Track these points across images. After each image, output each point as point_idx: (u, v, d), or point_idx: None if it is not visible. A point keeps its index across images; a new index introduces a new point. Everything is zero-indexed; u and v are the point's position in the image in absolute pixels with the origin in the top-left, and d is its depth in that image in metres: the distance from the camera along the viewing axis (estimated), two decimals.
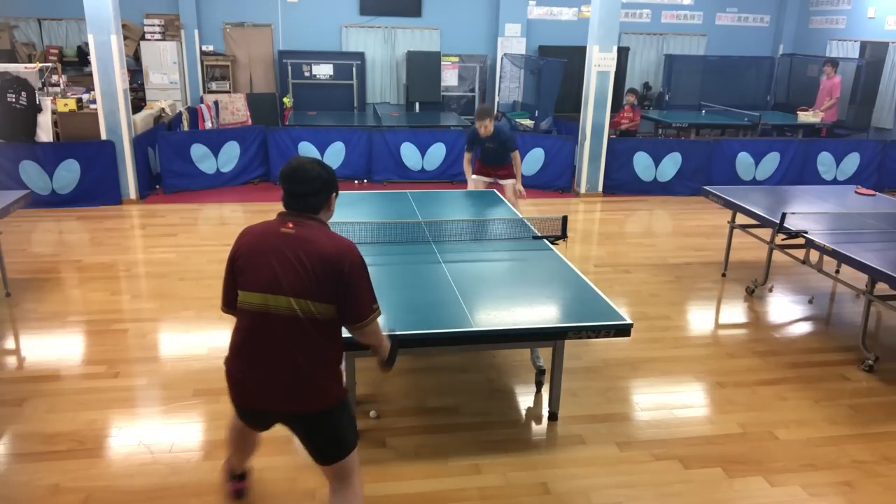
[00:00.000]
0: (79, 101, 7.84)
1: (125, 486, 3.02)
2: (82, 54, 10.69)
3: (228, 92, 11.30)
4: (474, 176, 6.35)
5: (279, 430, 3.44)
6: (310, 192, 2.31)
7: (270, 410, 2.36)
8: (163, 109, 9.20)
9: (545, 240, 4.35)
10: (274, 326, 2.25)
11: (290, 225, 2.29)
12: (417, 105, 11.43)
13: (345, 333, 2.42)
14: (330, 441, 2.38)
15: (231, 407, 2.49)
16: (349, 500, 2.44)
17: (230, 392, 2.40)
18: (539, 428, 3.57)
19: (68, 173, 7.47)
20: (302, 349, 2.26)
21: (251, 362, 2.31)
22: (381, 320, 2.46)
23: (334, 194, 2.40)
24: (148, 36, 10.86)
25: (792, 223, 4.83)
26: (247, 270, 2.30)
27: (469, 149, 6.25)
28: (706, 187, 5.90)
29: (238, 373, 2.34)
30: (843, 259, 4.27)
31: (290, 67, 11.25)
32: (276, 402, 2.32)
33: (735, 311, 5.18)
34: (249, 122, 10.72)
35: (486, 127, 5.90)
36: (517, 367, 4.19)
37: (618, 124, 9.53)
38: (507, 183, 6.26)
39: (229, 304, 2.43)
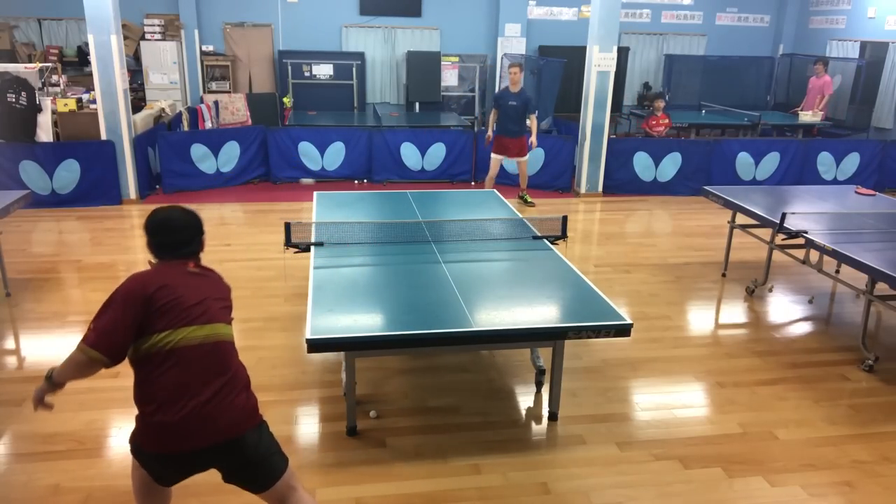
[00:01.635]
0: (79, 101, 7.84)
1: (125, 486, 3.02)
2: (82, 54, 10.69)
3: (228, 92, 11.29)
4: (493, 155, 7.69)
5: (278, 429, 3.44)
6: (187, 239, 2.42)
7: (217, 445, 2.23)
8: (163, 109, 9.19)
9: (545, 240, 4.35)
10: (222, 353, 2.31)
11: (192, 265, 2.41)
12: (417, 105, 11.42)
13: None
14: (272, 452, 2.35)
15: (135, 467, 2.38)
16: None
17: (157, 445, 2.21)
18: (539, 428, 3.57)
19: (68, 173, 7.47)
20: (233, 370, 2.33)
21: (198, 399, 2.19)
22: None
23: (204, 235, 2.50)
24: (148, 36, 10.86)
25: (792, 223, 4.83)
26: (167, 310, 2.21)
27: (496, 105, 7.67)
28: (706, 187, 5.90)
29: (176, 419, 2.16)
30: (843, 259, 4.27)
31: (290, 67, 11.25)
32: (227, 431, 2.23)
33: (735, 311, 5.18)
34: (249, 122, 10.71)
35: (515, 73, 7.15)
36: (517, 367, 4.19)
37: (657, 129, 9.42)
38: (522, 160, 7.73)
39: (119, 354, 2.20)
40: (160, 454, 2.24)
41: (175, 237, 2.38)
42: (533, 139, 7.71)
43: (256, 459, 2.31)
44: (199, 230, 2.46)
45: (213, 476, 3.10)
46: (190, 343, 2.22)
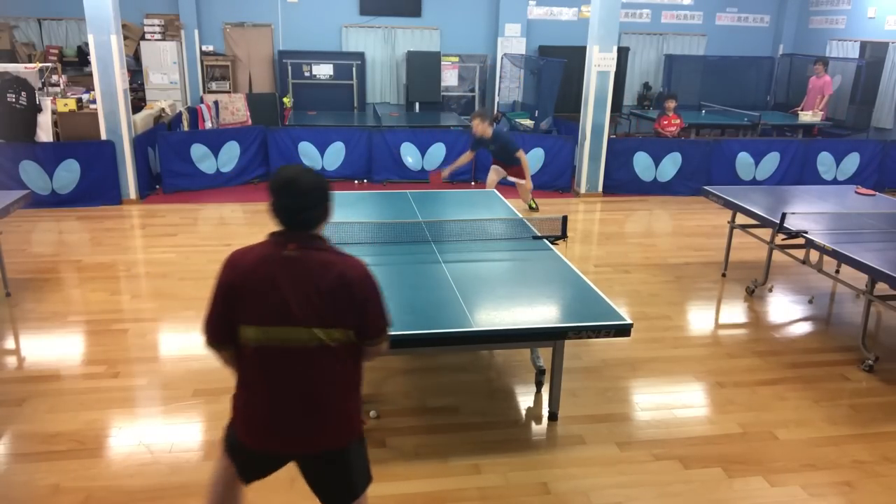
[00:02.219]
0: (79, 101, 7.84)
1: (125, 486, 3.02)
2: (82, 54, 10.69)
3: (228, 92, 11.29)
4: (494, 165, 7.41)
5: None
6: (309, 204, 2.05)
7: (288, 454, 2.16)
8: (163, 109, 9.19)
9: (545, 240, 4.35)
10: (292, 361, 2.04)
11: (292, 247, 2.03)
12: (417, 105, 11.42)
13: None
14: (344, 481, 2.19)
15: (221, 458, 2.31)
16: None
17: (241, 432, 2.16)
18: (539, 428, 3.57)
19: (68, 173, 7.46)
20: (324, 382, 2.08)
21: (270, 402, 2.08)
22: None
23: (331, 203, 2.14)
24: (148, 36, 10.85)
25: (792, 223, 4.83)
26: (249, 303, 2.03)
27: (473, 148, 7.19)
28: (706, 187, 5.90)
29: (254, 416, 2.12)
30: (843, 259, 4.27)
31: (290, 67, 11.25)
32: (297, 444, 2.12)
33: (735, 311, 5.18)
34: (249, 122, 10.71)
35: (476, 126, 6.73)
36: (517, 367, 4.19)
37: (669, 129, 9.39)
38: (519, 182, 7.34)
39: (221, 339, 2.13)
40: (243, 444, 2.16)
41: (289, 201, 2.03)
42: (526, 179, 7.25)
43: (328, 479, 2.18)
44: (325, 195, 2.09)
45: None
46: (258, 344, 2.05)
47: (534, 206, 7.88)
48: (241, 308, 2.05)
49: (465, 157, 7.33)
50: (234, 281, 2.05)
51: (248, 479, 2.29)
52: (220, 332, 2.12)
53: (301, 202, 2.04)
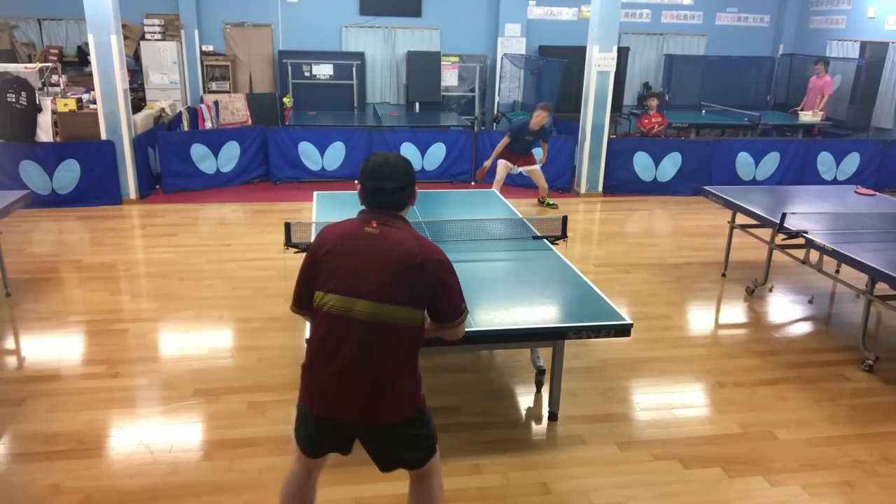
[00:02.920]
0: (79, 101, 7.84)
1: (125, 486, 3.02)
2: (82, 54, 10.69)
3: (228, 92, 11.29)
4: (503, 161, 7.64)
5: (278, 429, 3.45)
6: (398, 187, 2.22)
7: (348, 423, 2.22)
8: (163, 109, 9.19)
9: (545, 240, 4.35)
10: (355, 332, 2.13)
11: (374, 224, 2.18)
12: (417, 105, 11.42)
13: None
14: (410, 450, 2.29)
15: (293, 450, 2.37)
16: (437, 487, 2.40)
17: (307, 400, 2.25)
18: (539, 428, 3.57)
19: (68, 173, 7.47)
20: (385, 356, 2.15)
21: (331, 369, 2.16)
22: None
23: (415, 188, 2.30)
24: (148, 36, 10.86)
25: (792, 223, 4.83)
26: (327, 271, 2.18)
27: (511, 137, 7.52)
28: (706, 187, 5.90)
29: (316, 379, 2.21)
30: (843, 259, 4.27)
31: (290, 67, 11.25)
32: (356, 414, 2.18)
33: (735, 311, 5.18)
34: (249, 122, 10.72)
35: (541, 117, 7.33)
36: (517, 367, 4.19)
37: (650, 128, 9.47)
38: (532, 168, 7.79)
39: (302, 304, 2.29)
40: (308, 412, 2.25)
41: (387, 183, 2.19)
42: (543, 157, 7.90)
43: (382, 452, 2.29)
44: (412, 179, 2.26)
45: (212, 475, 3.11)
46: (335, 311, 2.15)
47: (552, 202, 7.95)
48: (319, 275, 2.19)
49: (503, 143, 7.59)
50: (319, 249, 2.21)
51: (312, 452, 2.35)
52: (303, 299, 2.27)
53: (389, 184, 2.20)
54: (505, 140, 7.54)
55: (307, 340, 2.29)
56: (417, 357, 2.27)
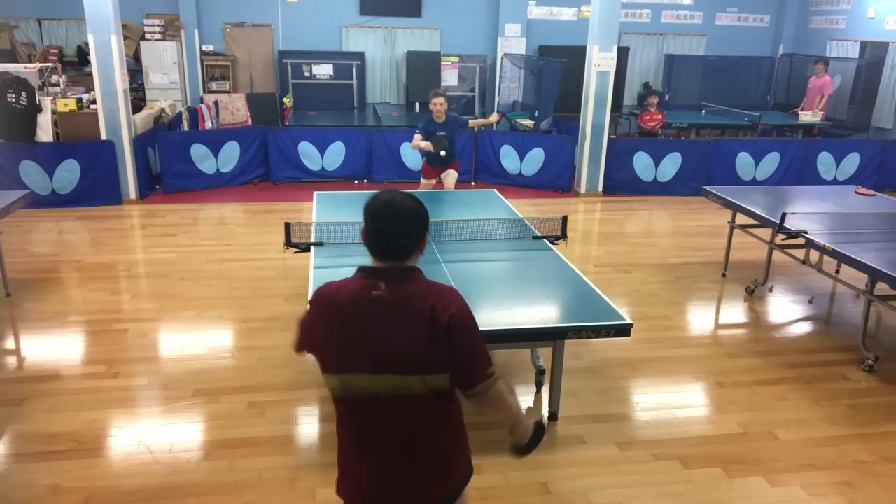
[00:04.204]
0: (79, 101, 7.84)
1: (125, 486, 3.02)
2: (82, 54, 10.69)
3: (228, 92, 11.30)
4: (423, 181, 6.50)
5: (278, 429, 3.45)
6: (402, 232, 1.86)
7: None
8: (163, 109, 9.19)
9: (545, 240, 4.35)
10: (383, 414, 1.84)
11: (383, 286, 1.83)
12: (417, 105, 11.42)
13: None
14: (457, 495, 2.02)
15: None
16: None
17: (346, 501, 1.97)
18: None
19: (68, 173, 7.46)
20: (425, 433, 1.88)
21: (367, 461, 1.90)
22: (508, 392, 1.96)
23: (426, 234, 1.95)
24: (148, 36, 10.86)
25: (792, 223, 4.83)
26: (334, 349, 1.84)
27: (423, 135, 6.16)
28: (706, 187, 5.90)
29: (353, 477, 1.92)
30: (843, 259, 4.27)
31: (290, 67, 11.24)
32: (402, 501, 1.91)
33: (735, 311, 5.18)
34: (249, 122, 10.72)
35: (441, 104, 6.00)
36: (517, 367, 4.19)
37: (652, 125, 9.51)
38: (449, 174, 6.35)
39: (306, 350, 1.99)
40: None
41: (391, 227, 1.85)
42: (495, 117, 7.18)
43: None
44: (422, 223, 1.91)
45: (212, 475, 3.11)
46: (359, 394, 1.84)
47: None
48: (327, 355, 1.87)
49: (417, 139, 6.22)
50: (321, 322, 1.88)
51: None
52: (304, 348, 1.97)
53: (391, 227, 1.85)
54: (417, 136, 6.20)
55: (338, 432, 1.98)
56: (461, 419, 1.99)
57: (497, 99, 12.04)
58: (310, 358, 1.94)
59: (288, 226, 4.14)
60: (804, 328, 4.91)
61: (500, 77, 11.90)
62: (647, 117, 9.54)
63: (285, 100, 11.20)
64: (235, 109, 10.74)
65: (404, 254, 1.88)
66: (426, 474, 1.90)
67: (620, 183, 8.66)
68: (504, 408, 1.92)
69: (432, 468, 1.91)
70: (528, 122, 10.05)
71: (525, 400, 3.84)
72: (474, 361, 1.85)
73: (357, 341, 1.82)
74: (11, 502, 2.93)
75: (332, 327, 1.84)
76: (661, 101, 12.30)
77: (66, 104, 7.66)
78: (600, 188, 8.58)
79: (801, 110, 10.64)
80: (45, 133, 7.59)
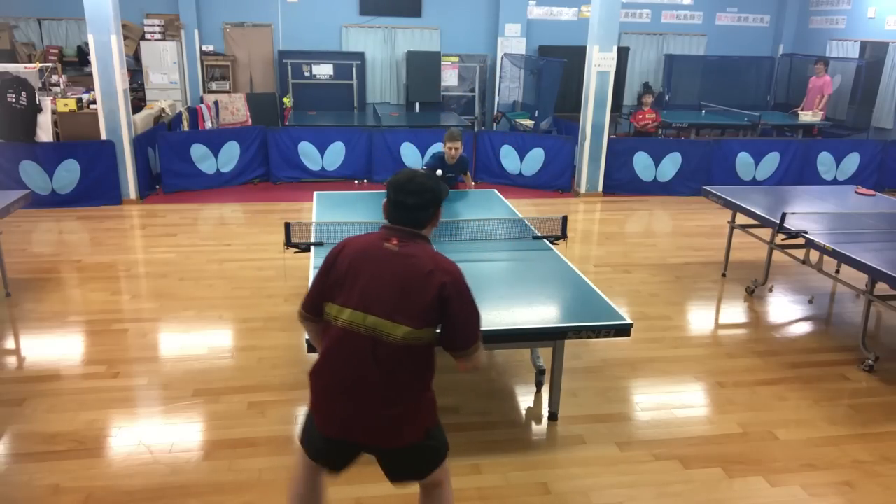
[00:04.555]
0: (79, 101, 7.84)
1: (125, 486, 3.02)
2: (82, 54, 10.69)
3: (228, 92, 11.29)
4: None
5: (278, 429, 3.45)
6: (420, 204, 2.19)
7: (357, 443, 2.19)
8: (163, 109, 9.20)
9: (545, 240, 4.35)
10: (366, 350, 2.09)
11: (395, 241, 2.15)
12: (417, 105, 11.42)
13: None
14: (417, 467, 2.27)
15: (299, 449, 2.33)
16: (445, 498, 2.36)
17: (317, 421, 2.21)
18: (539, 428, 3.57)
19: (68, 173, 7.47)
20: (400, 376, 2.11)
21: (339, 387, 2.14)
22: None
23: (440, 209, 2.28)
24: (148, 36, 10.85)
25: (792, 223, 4.83)
26: (341, 284, 2.14)
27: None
28: (706, 187, 5.90)
29: (329, 401, 2.17)
30: (843, 259, 4.27)
31: (290, 67, 11.24)
32: (363, 435, 2.15)
33: (735, 311, 5.18)
34: (249, 122, 10.72)
35: (457, 149, 5.30)
36: (517, 367, 4.19)
37: (643, 124, 9.54)
38: None
39: (313, 310, 2.25)
40: (319, 432, 2.21)
41: (410, 199, 2.17)
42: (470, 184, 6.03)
43: (394, 468, 2.27)
44: (436, 199, 2.22)
45: (212, 475, 3.11)
46: (350, 326, 2.11)
47: None
48: (335, 286, 2.16)
49: None
50: (339, 259, 2.19)
51: (320, 462, 2.30)
52: (316, 305, 2.24)
53: (411, 199, 2.18)
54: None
55: (320, 352, 2.24)
56: (432, 376, 2.24)
57: (497, 99, 12.05)
58: (311, 357, 2.00)
59: (288, 226, 4.14)
60: (804, 328, 4.91)
61: (500, 77, 11.90)
62: (640, 116, 9.59)
63: (285, 100, 11.20)
64: (235, 109, 10.74)
65: (419, 223, 2.20)
66: (399, 416, 2.12)
67: (620, 183, 8.66)
68: (476, 363, 2.26)
69: (405, 412, 2.13)
70: (528, 122, 10.05)
71: (525, 400, 3.84)
72: (467, 328, 2.16)
73: (359, 280, 2.11)
74: (11, 502, 2.93)
75: (345, 263, 2.16)
76: (661, 101, 12.32)
77: (66, 104, 7.66)
78: (600, 188, 8.58)
79: (801, 110, 10.64)
80: (45, 133, 7.59)
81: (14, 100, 7.42)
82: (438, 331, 2.17)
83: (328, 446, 2.22)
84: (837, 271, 5.58)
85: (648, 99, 9.67)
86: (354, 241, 2.23)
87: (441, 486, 2.35)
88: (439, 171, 5.37)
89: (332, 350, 2.15)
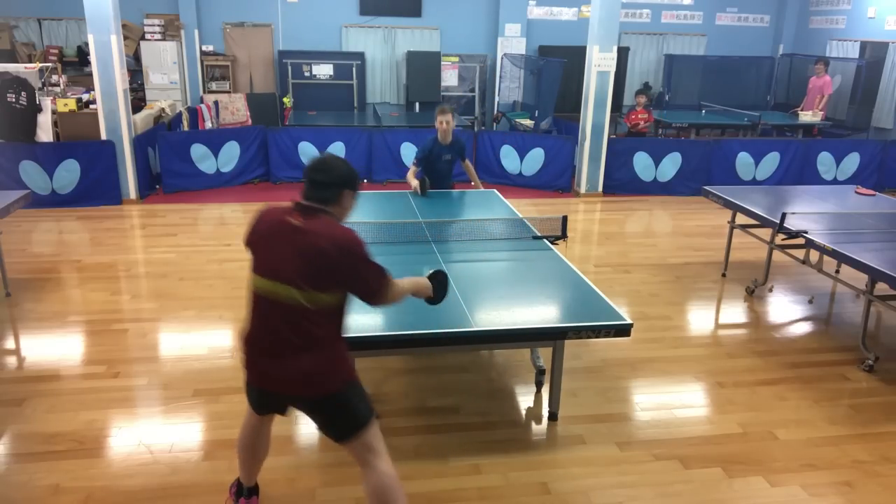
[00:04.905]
0: (79, 101, 7.84)
1: (125, 486, 3.02)
2: (82, 54, 10.69)
3: (228, 92, 11.29)
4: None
5: (278, 429, 3.45)
6: (324, 182, 2.38)
7: (276, 392, 2.47)
8: (163, 109, 9.20)
9: (545, 240, 4.35)
10: (275, 312, 2.34)
11: (299, 217, 2.35)
12: (417, 105, 11.42)
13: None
14: (334, 423, 2.45)
15: (245, 400, 2.61)
16: (374, 483, 2.46)
17: (246, 373, 2.50)
18: (539, 428, 3.57)
19: (68, 173, 7.47)
20: (300, 336, 2.33)
21: (257, 344, 2.43)
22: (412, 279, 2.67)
23: (349, 192, 2.45)
24: (148, 36, 10.85)
25: (792, 223, 4.83)
26: (256, 254, 2.43)
27: (419, 164, 5.45)
28: (706, 187, 5.90)
29: (250, 356, 2.46)
30: (843, 259, 4.27)
31: (290, 67, 11.24)
32: (278, 386, 2.42)
33: (735, 311, 5.18)
34: (249, 122, 10.72)
35: (448, 122, 5.28)
36: (517, 367, 4.19)
37: (635, 123, 9.61)
38: None
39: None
40: (247, 381, 2.53)
41: (316, 176, 2.38)
42: (477, 183, 5.88)
43: (317, 420, 2.48)
44: (342, 180, 2.42)
45: (212, 475, 3.11)
46: (260, 293, 2.39)
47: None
48: (252, 257, 2.44)
49: (412, 174, 5.47)
50: (253, 232, 2.46)
51: (259, 412, 2.64)
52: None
53: (318, 177, 2.38)
54: (412, 170, 5.46)
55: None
56: (338, 336, 2.44)
57: (497, 99, 12.05)
58: None
59: None
60: (804, 328, 4.91)
61: (500, 77, 11.90)
62: (633, 116, 9.65)
63: (285, 100, 11.20)
64: (235, 109, 10.74)
65: (325, 200, 2.38)
66: (298, 371, 2.35)
67: (620, 183, 8.66)
68: (409, 293, 2.51)
69: (307, 365, 2.34)
70: (528, 122, 10.05)
71: (525, 400, 3.84)
72: (368, 277, 2.37)
73: (266, 251, 2.38)
74: (11, 502, 2.93)
75: (257, 234, 2.44)
76: (661, 101, 12.32)
77: (66, 104, 7.66)
78: (600, 188, 8.58)
79: (802, 110, 10.64)
80: (45, 133, 7.59)
81: (14, 100, 7.42)
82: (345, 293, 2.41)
83: (258, 396, 2.55)
84: (837, 271, 5.58)
85: (641, 99, 9.73)
86: (265, 216, 2.45)
87: (370, 465, 2.46)
88: (447, 157, 5.52)
89: (252, 314, 2.44)
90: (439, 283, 2.79)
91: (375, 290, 2.41)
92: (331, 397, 2.39)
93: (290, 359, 2.34)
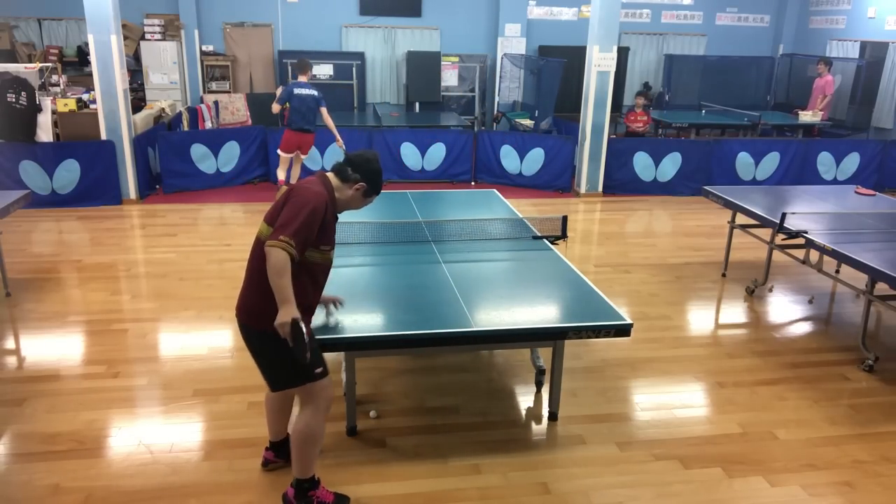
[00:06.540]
0: (79, 101, 7.84)
1: (125, 486, 3.03)
2: (82, 54, 10.69)
3: (228, 92, 11.29)
4: (282, 154, 7.47)
5: None
6: (353, 162, 2.76)
7: (238, 321, 2.75)
8: (163, 109, 9.19)
9: (545, 240, 4.35)
10: (255, 245, 2.68)
11: (286, 185, 2.72)
12: (417, 105, 11.42)
13: None
14: (269, 363, 2.73)
15: None
16: (301, 425, 2.73)
17: None
18: (539, 428, 3.57)
19: (68, 173, 7.47)
20: (255, 266, 2.64)
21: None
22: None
23: (363, 185, 2.76)
24: (148, 36, 10.86)
25: (792, 223, 4.83)
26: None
27: (281, 102, 7.21)
28: (706, 187, 5.90)
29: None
30: (842, 259, 4.27)
31: (290, 67, 11.24)
32: (237, 312, 2.74)
33: (735, 311, 5.18)
34: (249, 122, 10.71)
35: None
36: (517, 367, 4.19)
37: (635, 124, 9.63)
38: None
39: None
40: None
41: (350, 155, 2.80)
42: (338, 140, 7.65)
43: (258, 359, 2.78)
44: (358, 168, 2.75)
45: (212, 475, 3.11)
46: (258, 236, 2.69)
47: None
48: None
49: (276, 107, 7.31)
50: None
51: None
52: None
53: (352, 158, 2.78)
54: (276, 107, 7.33)
55: None
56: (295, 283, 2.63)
57: (497, 99, 12.05)
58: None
59: None
60: (804, 328, 4.91)
61: (500, 77, 11.90)
62: (633, 117, 9.67)
63: None
64: (235, 109, 10.74)
65: (340, 173, 2.77)
66: (246, 299, 2.70)
67: (620, 183, 8.66)
68: (273, 276, 2.49)
69: (252, 296, 2.66)
70: (528, 122, 10.05)
71: (525, 400, 3.85)
72: (281, 223, 2.52)
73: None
74: (11, 502, 2.93)
75: None
76: (661, 101, 12.32)
77: (66, 104, 7.66)
78: (600, 188, 8.58)
79: (806, 111, 10.62)
80: (45, 133, 7.59)
81: (14, 100, 7.41)
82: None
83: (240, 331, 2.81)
84: (837, 271, 5.58)
85: (640, 101, 9.74)
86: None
87: (305, 410, 2.74)
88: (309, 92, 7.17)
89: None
90: (294, 332, 2.51)
91: (284, 223, 2.51)
92: (264, 333, 2.60)
93: (246, 287, 2.68)
